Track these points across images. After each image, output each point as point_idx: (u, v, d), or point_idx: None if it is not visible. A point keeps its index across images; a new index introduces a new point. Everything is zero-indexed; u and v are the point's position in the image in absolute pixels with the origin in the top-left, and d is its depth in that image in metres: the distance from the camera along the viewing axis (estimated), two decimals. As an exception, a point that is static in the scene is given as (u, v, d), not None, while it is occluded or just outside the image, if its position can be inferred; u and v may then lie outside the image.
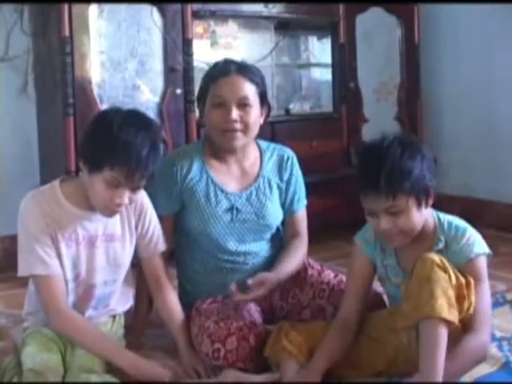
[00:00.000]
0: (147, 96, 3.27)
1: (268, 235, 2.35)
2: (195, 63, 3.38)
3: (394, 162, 1.86)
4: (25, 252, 1.97)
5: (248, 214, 2.28)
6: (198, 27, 3.52)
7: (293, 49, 4.08)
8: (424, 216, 1.94)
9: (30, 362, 1.92)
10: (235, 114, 2.20)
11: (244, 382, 1.98)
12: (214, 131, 2.25)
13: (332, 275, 2.35)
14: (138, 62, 3.23)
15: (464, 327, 1.86)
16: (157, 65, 3.29)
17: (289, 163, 2.37)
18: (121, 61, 3.19)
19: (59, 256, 2.00)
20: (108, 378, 1.93)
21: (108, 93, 3.16)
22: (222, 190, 2.27)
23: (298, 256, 2.31)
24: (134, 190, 1.97)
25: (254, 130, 2.27)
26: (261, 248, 2.33)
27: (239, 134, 2.23)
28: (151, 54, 3.27)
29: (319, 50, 4.12)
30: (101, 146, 1.90)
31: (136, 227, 2.14)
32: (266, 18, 3.69)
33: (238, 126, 2.21)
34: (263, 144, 2.40)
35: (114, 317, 2.23)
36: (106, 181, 1.91)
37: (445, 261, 1.84)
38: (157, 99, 3.29)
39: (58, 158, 3.19)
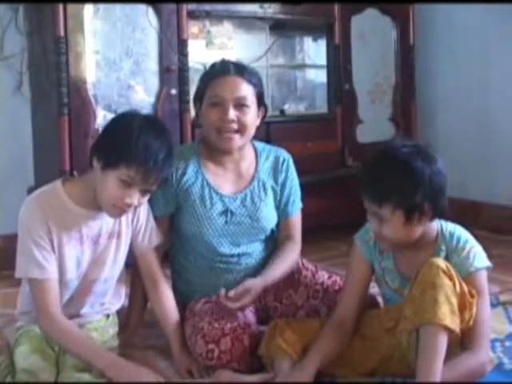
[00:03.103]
0: (142, 96, 3.26)
1: (262, 237, 2.35)
2: (190, 63, 3.38)
3: (391, 173, 1.86)
4: (23, 254, 1.97)
5: (242, 217, 2.28)
6: (193, 27, 3.51)
7: (288, 49, 4.07)
8: (416, 231, 1.92)
9: (22, 361, 1.92)
10: (232, 113, 2.20)
11: (237, 382, 1.97)
12: (211, 131, 2.25)
13: (326, 276, 2.35)
14: (133, 61, 3.23)
15: (462, 339, 1.85)
16: (152, 65, 3.28)
17: (284, 166, 2.37)
18: (116, 60, 3.18)
19: (63, 257, 2.01)
20: (101, 376, 1.92)
21: (103, 93, 3.15)
22: (217, 193, 2.27)
23: (288, 260, 2.31)
24: (144, 192, 1.99)
25: (251, 130, 2.27)
26: (255, 249, 2.33)
27: (235, 135, 2.22)
28: (146, 53, 3.26)
29: (314, 50, 4.11)
30: (120, 143, 1.92)
31: (132, 221, 2.15)
32: (262, 18, 3.68)
33: (235, 126, 2.21)
34: (259, 145, 2.40)
35: (107, 316, 2.23)
36: (120, 179, 1.92)
37: (450, 267, 1.84)
38: (152, 99, 3.28)
39: (52, 158, 3.18)
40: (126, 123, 1.97)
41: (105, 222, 2.07)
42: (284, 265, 2.28)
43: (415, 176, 1.85)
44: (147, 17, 3.24)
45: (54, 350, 1.99)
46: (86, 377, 1.91)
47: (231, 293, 2.07)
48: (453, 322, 1.77)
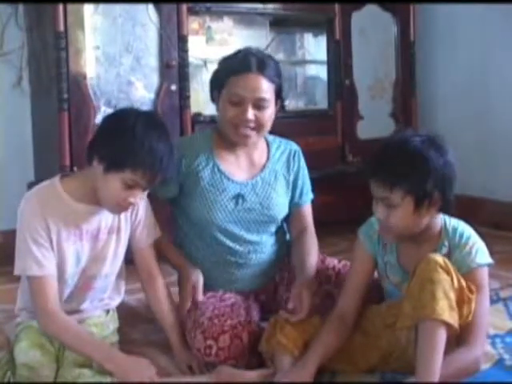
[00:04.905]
0: (142, 92, 3.26)
1: (272, 228, 2.35)
2: (190, 59, 3.38)
3: (404, 158, 1.85)
4: (22, 252, 1.97)
5: (253, 204, 2.27)
6: (193, 23, 3.51)
7: (288, 45, 4.07)
8: (423, 221, 1.91)
9: (23, 357, 1.92)
10: (251, 114, 2.18)
11: (237, 378, 1.97)
12: (227, 125, 2.23)
13: (336, 261, 2.33)
14: (133, 57, 3.22)
15: (460, 334, 1.85)
16: (152, 61, 3.28)
17: (296, 157, 2.39)
18: (116, 56, 3.18)
19: (62, 253, 2.00)
20: (101, 371, 1.92)
21: (103, 88, 3.15)
22: (228, 178, 2.27)
23: (315, 253, 2.28)
24: (147, 189, 1.99)
25: (268, 127, 2.26)
26: (265, 241, 2.32)
27: (253, 133, 2.22)
28: (146, 49, 3.26)
29: (315, 46, 4.11)
30: (125, 148, 1.90)
31: (130, 216, 2.14)
32: (262, 14, 3.68)
33: (253, 124, 2.20)
34: (269, 136, 2.40)
35: (107, 311, 2.23)
36: (124, 181, 1.91)
37: (448, 263, 1.83)
38: (152, 95, 3.28)
39: (52, 153, 3.18)
40: (128, 126, 1.93)
41: (104, 217, 2.07)
42: (314, 260, 2.24)
43: (428, 163, 1.85)
44: (147, 12, 3.24)
45: (54, 346, 1.99)
46: (86, 372, 1.92)
47: (290, 305, 2.02)
48: (451, 317, 1.77)
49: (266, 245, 2.33)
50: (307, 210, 2.41)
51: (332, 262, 2.34)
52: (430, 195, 1.86)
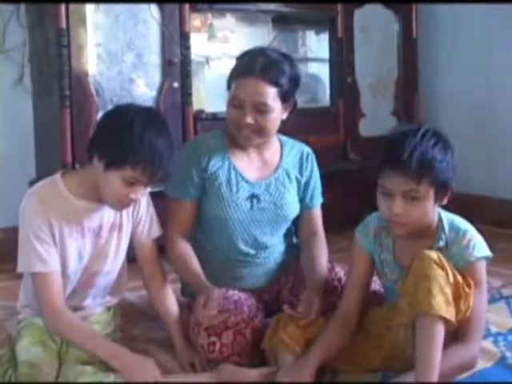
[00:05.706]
0: (144, 89, 3.26)
1: (283, 229, 2.35)
2: (192, 56, 3.38)
3: (428, 148, 1.84)
4: (25, 249, 1.97)
5: (267, 204, 2.27)
6: (195, 20, 3.51)
7: (290, 43, 4.06)
8: (434, 212, 1.92)
9: (24, 354, 1.92)
10: (250, 118, 2.17)
11: (239, 376, 1.96)
12: (231, 127, 2.24)
13: (342, 273, 2.31)
14: (135, 54, 3.23)
15: (457, 329, 1.84)
16: (154, 58, 3.28)
17: (309, 159, 2.38)
18: (118, 53, 3.18)
19: (65, 250, 2.00)
20: (104, 368, 1.92)
21: (105, 85, 3.15)
22: (243, 177, 2.26)
23: (325, 257, 2.29)
24: (148, 185, 1.99)
25: (272, 130, 2.25)
26: (275, 243, 2.33)
27: (254, 135, 2.21)
28: (148, 47, 3.26)
29: (317, 44, 4.11)
30: (124, 145, 1.89)
31: (132, 213, 2.14)
32: (264, 11, 3.68)
33: (253, 127, 2.19)
34: (282, 138, 2.40)
35: (109, 308, 2.23)
36: (124, 178, 1.91)
37: (442, 258, 1.82)
38: (154, 92, 3.28)
39: (54, 150, 3.18)
40: (127, 122, 1.92)
41: (106, 213, 2.07)
42: (324, 265, 2.25)
43: (448, 154, 1.87)
44: (149, 10, 3.24)
45: (56, 343, 1.99)
46: (88, 369, 1.91)
47: (299, 309, 2.03)
48: (448, 312, 1.76)
49: (275, 246, 2.33)
50: (317, 213, 2.41)
51: (339, 273, 2.31)
52: (447, 186, 1.87)
